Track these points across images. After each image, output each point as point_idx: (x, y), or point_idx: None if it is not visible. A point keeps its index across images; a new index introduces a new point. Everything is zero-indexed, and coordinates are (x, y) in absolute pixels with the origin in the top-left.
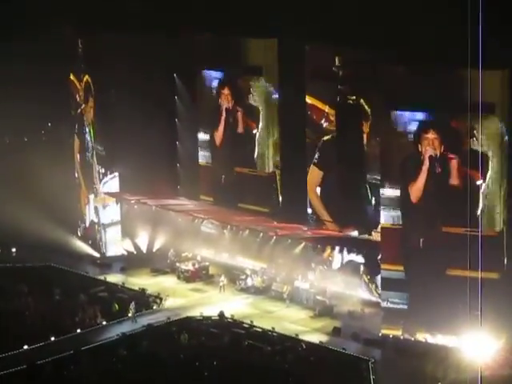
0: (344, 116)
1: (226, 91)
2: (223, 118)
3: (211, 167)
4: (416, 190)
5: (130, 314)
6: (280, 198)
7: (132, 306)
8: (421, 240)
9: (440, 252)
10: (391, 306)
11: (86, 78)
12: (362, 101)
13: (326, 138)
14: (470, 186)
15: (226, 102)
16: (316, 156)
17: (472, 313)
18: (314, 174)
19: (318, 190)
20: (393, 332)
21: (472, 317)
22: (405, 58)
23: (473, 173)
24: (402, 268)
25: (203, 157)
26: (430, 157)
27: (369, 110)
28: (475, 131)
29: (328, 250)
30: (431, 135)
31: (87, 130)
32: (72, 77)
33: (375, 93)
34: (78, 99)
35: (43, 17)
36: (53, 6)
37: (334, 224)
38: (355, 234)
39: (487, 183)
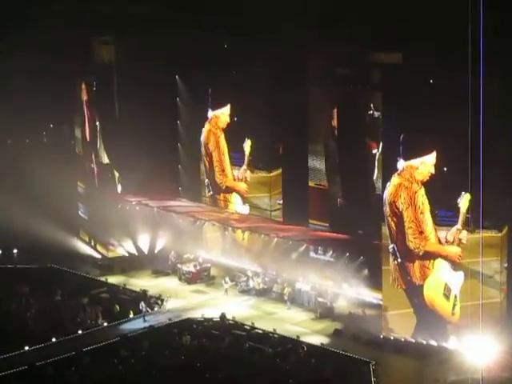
0: (347, 118)
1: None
2: None
3: None
4: None
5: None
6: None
7: (142, 305)
8: None
9: None
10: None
11: (89, 81)
12: (364, 103)
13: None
14: None
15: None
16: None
17: None
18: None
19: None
20: None
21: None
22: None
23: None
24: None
25: None
26: None
27: (371, 113)
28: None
29: (329, 252)
30: None
31: (89, 131)
32: (77, 79)
33: (377, 95)
34: (81, 100)
35: (51, 24)
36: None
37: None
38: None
39: None
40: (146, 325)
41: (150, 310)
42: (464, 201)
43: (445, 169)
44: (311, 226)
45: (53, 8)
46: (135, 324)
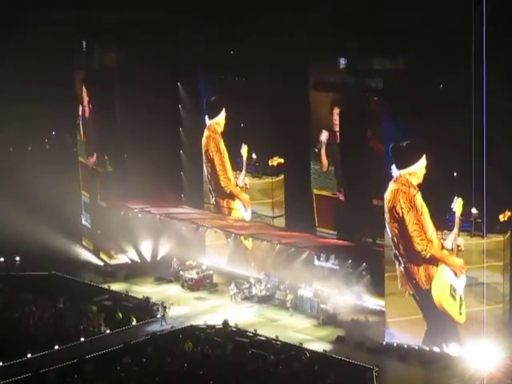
0: (349, 123)
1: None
2: None
3: None
4: None
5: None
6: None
7: (160, 308)
8: None
9: None
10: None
11: (92, 87)
12: (366, 108)
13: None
14: None
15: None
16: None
17: None
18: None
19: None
20: None
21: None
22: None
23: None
24: None
25: None
26: None
27: (373, 118)
28: None
29: (332, 259)
30: None
31: (91, 139)
32: (79, 85)
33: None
34: (84, 107)
35: (52, 31)
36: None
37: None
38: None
39: None
40: (168, 327)
41: (167, 314)
42: (458, 205)
43: (455, 174)
44: (317, 233)
45: (53, 15)
46: (154, 327)
